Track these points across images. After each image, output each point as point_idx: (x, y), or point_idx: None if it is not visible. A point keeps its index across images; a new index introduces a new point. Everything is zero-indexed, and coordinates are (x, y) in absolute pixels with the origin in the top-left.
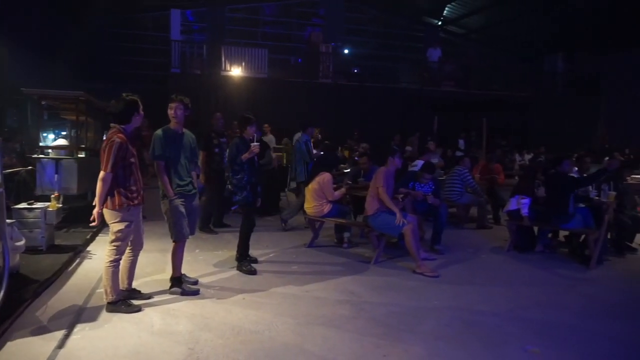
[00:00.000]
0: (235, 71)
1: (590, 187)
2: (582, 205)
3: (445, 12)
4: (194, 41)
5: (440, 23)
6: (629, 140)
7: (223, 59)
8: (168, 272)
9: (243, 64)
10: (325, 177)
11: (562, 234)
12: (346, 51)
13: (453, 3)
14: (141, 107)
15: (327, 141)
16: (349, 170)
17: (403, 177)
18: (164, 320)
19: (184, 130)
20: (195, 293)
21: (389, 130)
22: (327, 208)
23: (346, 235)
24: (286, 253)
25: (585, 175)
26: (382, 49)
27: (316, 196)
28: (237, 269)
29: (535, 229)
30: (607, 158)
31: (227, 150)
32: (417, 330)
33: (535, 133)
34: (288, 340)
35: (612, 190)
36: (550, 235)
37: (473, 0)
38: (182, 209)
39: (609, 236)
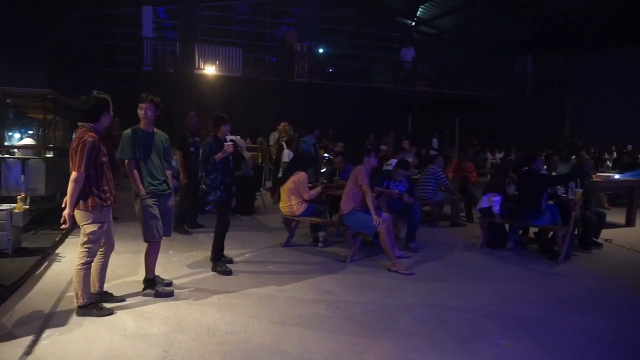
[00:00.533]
0: (209, 70)
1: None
2: (550, 202)
3: (418, 12)
4: (167, 39)
5: (413, 23)
6: (594, 139)
7: (196, 57)
8: (141, 274)
9: (217, 62)
10: (300, 176)
11: (532, 230)
12: (321, 50)
13: (426, 4)
14: (111, 106)
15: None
16: (324, 170)
17: (378, 176)
18: (137, 323)
19: (155, 129)
20: (170, 295)
21: (364, 129)
22: (302, 207)
23: (322, 234)
24: (262, 253)
25: (553, 173)
26: (356, 48)
27: (291, 195)
28: (212, 270)
29: (507, 226)
30: (574, 157)
31: (201, 150)
32: (393, 328)
33: (506, 132)
34: (264, 340)
35: (578, 187)
36: (520, 232)
37: (445, 2)
38: (155, 209)
39: (576, 232)
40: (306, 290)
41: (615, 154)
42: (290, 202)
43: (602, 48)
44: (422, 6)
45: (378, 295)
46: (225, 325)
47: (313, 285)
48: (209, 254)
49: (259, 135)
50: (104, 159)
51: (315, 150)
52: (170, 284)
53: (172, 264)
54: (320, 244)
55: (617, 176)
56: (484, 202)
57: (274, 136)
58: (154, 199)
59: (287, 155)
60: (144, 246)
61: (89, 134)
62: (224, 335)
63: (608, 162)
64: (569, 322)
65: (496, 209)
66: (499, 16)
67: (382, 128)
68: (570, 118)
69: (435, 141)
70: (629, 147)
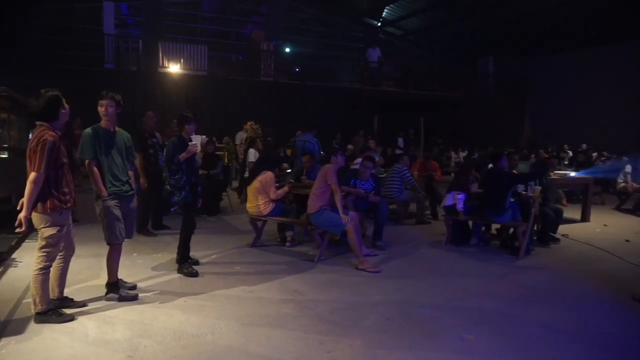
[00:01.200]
0: (174, 68)
1: None
2: (511, 199)
3: (384, 13)
4: (130, 36)
5: (379, 24)
6: (552, 138)
7: (160, 55)
8: (103, 278)
9: (182, 60)
10: (267, 175)
11: (494, 227)
12: (287, 50)
13: (392, 5)
14: (64, 100)
15: (270, 138)
16: (290, 169)
17: (345, 175)
18: (99, 328)
19: (117, 128)
20: (134, 298)
21: (331, 129)
22: (269, 207)
23: (289, 233)
24: (229, 254)
25: (514, 171)
26: (323, 48)
27: (258, 195)
28: (178, 272)
29: (470, 223)
30: (533, 155)
31: (165, 150)
32: (361, 325)
33: (468, 131)
34: (231, 342)
35: (537, 185)
36: (483, 228)
37: (410, 3)
38: (117, 210)
39: (535, 228)
40: (274, 290)
41: (570, 153)
42: (257, 201)
43: (558, 51)
44: (387, 7)
45: (346, 294)
46: (192, 327)
47: (281, 285)
48: (174, 255)
49: (225, 134)
50: (65, 159)
51: (319, 148)
52: (134, 287)
53: (136, 267)
54: (288, 244)
55: (573, 174)
56: (448, 200)
57: (240, 135)
58: (116, 200)
59: (253, 154)
60: (105, 249)
61: (49, 133)
62: (191, 338)
63: (565, 161)
64: (529, 314)
65: (460, 206)
66: (461, 18)
67: (348, 128)
68: (530, 118)
69: (400, 140)
70: (584, 146)
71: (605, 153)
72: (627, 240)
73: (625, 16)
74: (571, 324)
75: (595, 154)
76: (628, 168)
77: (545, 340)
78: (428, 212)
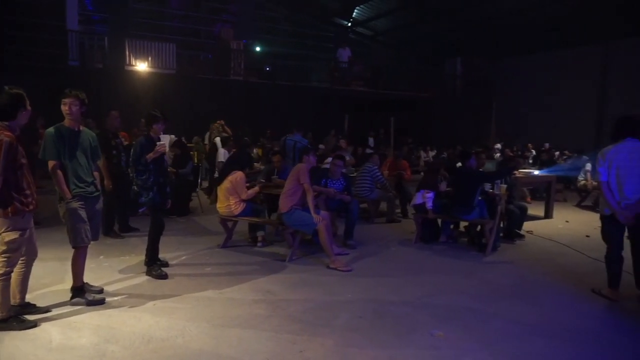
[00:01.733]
0: (141, 66)
1: None
2: (479, 198)
3: (354, 13)
4: (95, 32)
5: (349, 24)
6: (517, 138)
7: (127, 53)
8: (68, 282)
9: (149, 58)
10: (237, 175)
11: (463, 224)
12: (258, 49)
13: (362, 5)
14: (28, 102)
15: (247, 138)
16: (261, 168)
17: (316, 174)
18: (64, 334)
19: (82, 127)
20: (100, 302)
21: (301, 128)
22: (240, 207)
23: (260, 234)
24: (199, 255)
25: (481, 170)
26: (293, 47)
27: (229, 195)
28: (147, 274)
29: (439, 221)
30: (498, 154)
31: (132, 150)
32: (333, 324)
33: (437, 131)
34: (202, 344)
35: (503, 183)
36: (452, 226)
37: (380, 4)
38: (82, 212)
39: (501, 225)
40: (245, 290)
41: (534, 152)
42: (228, 202)
43: (523, 53)
44: (357, 7)
45: (318, 293)
46: (162, 331)
47: (252, 285)
48: (142, 258)
49: (194, 134)
50: (23, 160)
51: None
52: (101, 291)
53: (102, 270)
54: (259, 244)
55: (536, 172)
56: (417, 199)
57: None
58: (81, 202)
59: (222, 154)
60: (70, 252)
61: (4, 133)
62: (160, 341)
63: (529, 160)
64: (496, 309)
65: (429, 205)
66: (429, 20)
67: (319, 127)
68: (496, 118)
69: (371, 140)
70: (547, 145)
71: (566, 152)
72: (587, 236)
73: (585, 22)
74: (535, 317)
75: (557, 153)
76: (588, 166)
77: (511, 334)
78: (398, 210)
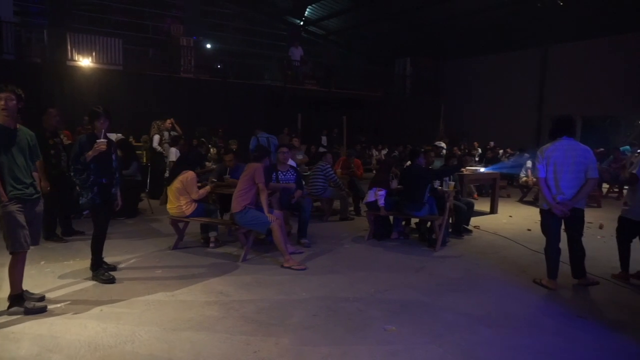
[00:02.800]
0: (85, 61)
1: None
2: (428, 194)
3: (306, 12)
4: (32, 24)
5: (302, 23)
6: (464, 136)
7: (69, 47)
8: (5, 290)
9: (94, 53)
10: (188, 175)
11: (414, 221)
12: (209, 46)
13: (314, 5)
14: None
15: (203, 138)
16: (213, 168)
17: (267, 172)
18: (1, 346)
19: (19, 126)
20: (41, 310)
21: (254, 127)
22: (191, 207)
23: (213, 234)
24: (149, 257)
25: (430, 167)
26: (245, 45)
27: (179, 196)
28: (93, 279)
29: (391, 218)
30: (444, 151)
31: (72, 149)
32: (287, 323)
33: (388, 130)
34: (153, 350)
35: (450, 180)
36: (403, 223)
37: (332, 4)
38: (20, 216)
39: (450, 221)
40: (198, 293)
41: (480, 150)
42: (179, 202)
43: (470, 55)
44: (310, 6)
45: (272, 292)
46: (109, 337)
47: (205, 287)
48: (88, 262)
49: (143, 133)
50: None
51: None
52: (42, 298)
53: (44, 276)
54: (211, 245)
55: (482, 169)
56: (370, 196)
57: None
58: (19, 205)
59: (174, 153)
60: (7, 258)
61: None
62: (108, 349)
63: (475, 158)
64: (445, 302)
65: (381, 202)
66: (379, 20)
67: (272, 126)
68: (444, 117)
69: (324, 139)
70: (491, 143)
71: (509, 150)
72: (528, 230)
73: (526, 27)
74: (482, 308)
75: (501, 151)
76: (529, 163)
77: (460, 326)
78: (351, 208)
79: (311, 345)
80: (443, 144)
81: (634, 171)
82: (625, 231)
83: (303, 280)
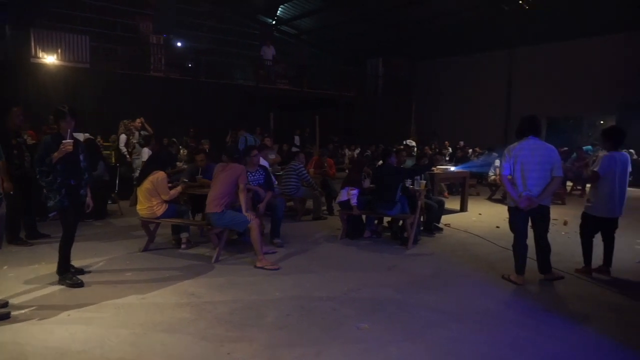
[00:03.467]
0: (50, 59)
1: None
2: (400, 193)
3: (279, 12)
4: None
5: (274, 22)
6: (434, 136)
7: (33, 44)
8: None
9: (59, 50)
10: (158, 175)
11: (386, 219)
12: (179, 44)
13: (286, 4)
14: None
15: (175, 138)
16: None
17: None
18: None
19: None
20: (5, 317)
21: (226, 126)
22: (162, 208)
23: (184, 235)
24: (118, 260)
25: (402, 166)
26: (217, 44)
27: (150, 196)
28: (60, 283)
29: (364, 217)
30: (416, 150)
31: (37, 150)
32: (260, 324)
33: (360, 129)
34: (123, 354)
35: (422, 179)
36: (376, 222)
37: (304, 3)
38: None
39: (421, 219)
40: (169, 295)
41: (450, 149)
42: (149, 203)
43: (440, 56)
44: (282, 6)
45: (245, 293)
46: (77, 343)
47: (176, 289)
48: (54, 266)
49: (111, 132)
50: None
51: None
52: (5, 304)
53: (7, 281)
54: (183, 246)
55: (452, 168)
56: (342, 196)
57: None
58: None
59: (146, 153)
60: None
61: None
62: (76, 354)
63: (446, 157)
64: (418, 299)
65: (354, 201)
66: (351, 21)
67: (244, 125)
68: (416, 117)
69: (297, 138)
70: (461, 143)
71: (477, 149)
72: (497, 227)
73: (494, 29)
74: (454, 305)
75: (470, 150)
76: (497, 162)
77: (432, 322)
78: (324, 208)
79: (285, 346)
80: (413, 142)
81: (595, 169)
82: (588, 227)
83: (276, 280)
